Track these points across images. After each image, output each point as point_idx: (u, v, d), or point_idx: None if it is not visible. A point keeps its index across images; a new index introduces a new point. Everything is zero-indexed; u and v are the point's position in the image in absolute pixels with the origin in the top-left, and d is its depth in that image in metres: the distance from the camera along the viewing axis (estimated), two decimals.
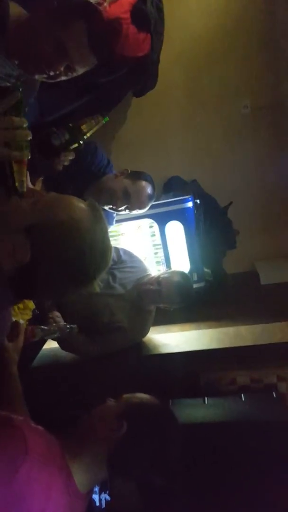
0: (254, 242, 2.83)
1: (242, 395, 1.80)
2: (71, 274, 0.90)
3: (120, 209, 1.86)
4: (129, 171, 1.92)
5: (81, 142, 1.45)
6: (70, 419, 1.15)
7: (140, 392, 1.16)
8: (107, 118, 1.48)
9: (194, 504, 1.98)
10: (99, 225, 0.94)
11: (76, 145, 1.44)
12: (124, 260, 1.99)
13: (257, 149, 2.65)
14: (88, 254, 0.90)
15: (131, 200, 1.85)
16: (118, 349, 1.92)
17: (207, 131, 2.67)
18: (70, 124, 1.41)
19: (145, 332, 2.02)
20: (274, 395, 1.78)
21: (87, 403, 1.17)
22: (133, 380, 1.95)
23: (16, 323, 1.31)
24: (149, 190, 1.91)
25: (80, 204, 0.94)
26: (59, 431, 1.07)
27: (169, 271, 2.01)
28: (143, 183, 1.89)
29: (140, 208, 1.91)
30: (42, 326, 1.45)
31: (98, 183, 1.86)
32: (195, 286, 2.49)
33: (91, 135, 1.47)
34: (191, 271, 2.48)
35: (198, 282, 2.53)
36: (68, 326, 1.56)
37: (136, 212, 1.92)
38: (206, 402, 1.82)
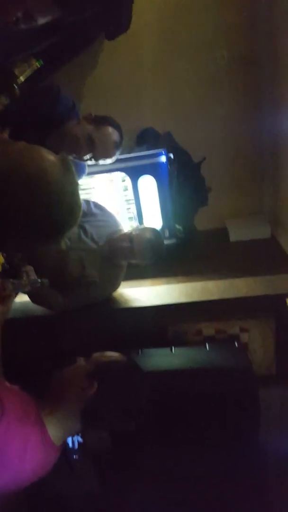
0: (225, 199, 2.85)
1: (207, 344, 1.91)
2: (38, 227, 0.89)
3: (84, 158, 1.73)
4: (93, 116, 1.77)
5: (14, 86, 1.36)
6: (43, 374, 1.21)
7: (111, 345, 1.23)
8: (40, 61, 1.39)
9: (160, 446, 2.16)
10: (69, 179, 0.91)
11: (11, 89, 1.36)
12: (95, 213, 1.97)
13: (232, 102, 2.61)
14: (56, 208, 0.88)
15: (96, 148, 1.71)
16: (89, 303, 1.96)
17: (182, 79, 2.58)
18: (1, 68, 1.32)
19: (116, 286, 2.06)
20: (236, 345, 1.89)
21: (58, 357, 1.22)
22: (104, 332, 2.03)
23: None
24: (115, 137, 1.77)
25: (50, 156, 0.91)
26: (32, 388, 1.13)
27: (141, 227, 2.01)
28: (109, 129, 1.75)
29: (106, 157, 1.78)
30: (13, 280, 1.44)
31: (61, 130, 1.70)
32: (166, 242, 2.53)
33: (25, 79, 1.39)
34: (163, 228, 2.49)
35: (169, 239, 2.56)
36: (39, 280, 1.56)
37: (102, 161, 1.80)
38: (173, 352, 1.92)
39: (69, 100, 1.77)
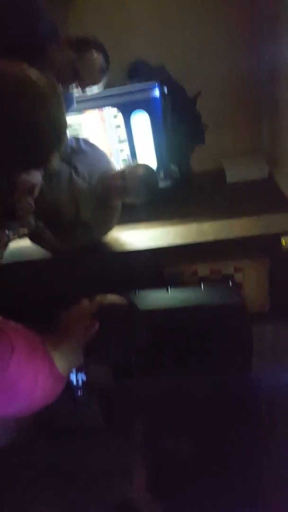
0: (222, 138, 2.75)
1: (202, 284, 1.94)
2: (23, 142, 0.86)
3: (69, 88, 1.62)
4: (75, 39, 1.60)
5: None
6: (42, 314, 1.28)
7: (109, 287, 1.28)
8: None
9: (158, 379, 2.28)
10: (55, 96, 0.89)
11: None
12: (85, 150, 1.88)
13: (230, 31, 2.41)
14: (42, 122, 0.86)
15: (81, 75, 1.58)
16: (84, 245, 1.96)
17: (176, 4, 2.37)
18: None
19: (111, 227, 2.03)
20: (230, 284, 1.93)
21: (60, 300, 1.28)
22: (101, 275, 2.05)
23: None
24: (100, 61, 1.62)
25: (37, 72, 0.90)
26: (37, 327, 1.20)
27: (133, 164, 1.93)
28: (93, 53, 1.59)
29: (92, 84, 1.64)
30: (8, 230, 1.43)
31: (41, 58, 1.51)
32: (161, 185, 2.47)
33: None
34: (157, 169, 2.43)
35: (164, 181, 2.51)
36: (33, 222, 1.55)
37: (89, 90, 1.66)
38: (169, 292, 1.96)
39: (51, 21, 1.57)
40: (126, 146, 2.41)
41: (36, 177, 1.44)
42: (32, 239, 1.93)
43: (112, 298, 1.25)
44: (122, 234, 2.21)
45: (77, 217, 1.80)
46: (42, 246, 1.97)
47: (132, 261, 2.06)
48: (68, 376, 1.35)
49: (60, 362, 1.16)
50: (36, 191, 1.47)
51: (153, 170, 1.93)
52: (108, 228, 2.02)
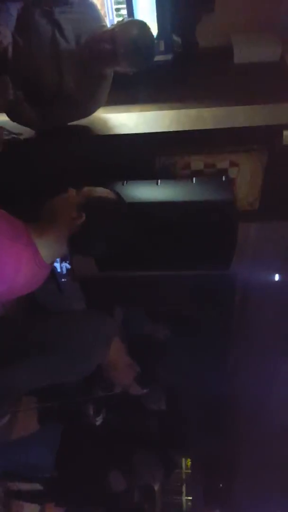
0: (235, 8, 2.35)
1: (194, 179, 1.85)
2: None
3: None
4: None
5: None
6: (30, 204, 1.24)
7: (94, 174, 1.25)
8: None
9: (140, 270, 2.35)
10: None
11: None
12: (72, 1, 1.55)
13: None
14: None
15: None
16: (68, 122, 1.78)
17: None
18: None
19: (99, 103, 1.80)
20: (223, 179, 1.84)
21: (44, 188, 1.25)
22: (87, 160, 1.93)
23: None
24: None
25: None
26: (21, 215, 1.19)
27: (125, 21, 1.57)
28: None
29: None
30: None
31: None
32: (160, 58, 2.18)
33: None
34: (157, 38, 2.11)
35: (165, 54, 2.20)
36: (12, 92, 1.37)
37: None
38: (158, 185, 1.87)
39: None
40: (123, 8, 2.04)
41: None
42: (10, 115, 1.73)
43: (101, 191, 1.23)
44: (112, 116, 2.02)
45: (59, 86, 1.57)
46: (21, 123, 1.78)
47: (121, 146, 1.92)
48: (52, 264, 1.36)
49: (44, 250, 1.16)
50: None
51: (148, 27, 1.58)
52: (96, 103, 1.78)
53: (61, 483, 2.43)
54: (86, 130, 1.95)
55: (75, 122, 1.86)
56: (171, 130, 1.90)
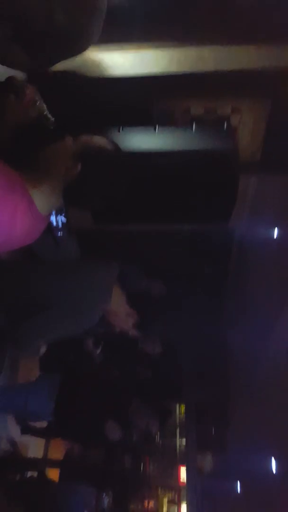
0: None
1: (194, 125, 1.75)
2: None
3: None
4: None
5: None
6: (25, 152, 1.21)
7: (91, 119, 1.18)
8: None
9: (138, 223, 2.30)
10: None
11: None
12: None
13: None
14: None
15: None
16: (60, 61, 1.64)
17: None
18: None
19: (92, 37, 1.64)
20: (225, 127, 1.74)
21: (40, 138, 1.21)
22: (83, 107, 1.81)
23: None
24: None
25: None
26: (15, 165, 1.13)
27: None
28: None
29: None
30: None
31: None
32: None
33: None
34: None
35: None
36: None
37: None
38: (156, 131, 1.77)
39: None
40: None
41: None
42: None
43: (98, 140, 1.17)
44: (105, 56, 1.86)
45: (49, 20, 1.42)
46: (9, 65, 1.64)
47: (116, 90, 1.79)
48: (49, 216, 1.33)
49: (39, 202, 1.13)
50: None
51: None
52: (88, 38, 1.64)
53: (60, 430, 2.55)
54: (78, 73, 1.81)
55: (66, 65, 1.72)
56: (170, 71, 1.76)
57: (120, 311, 1.36)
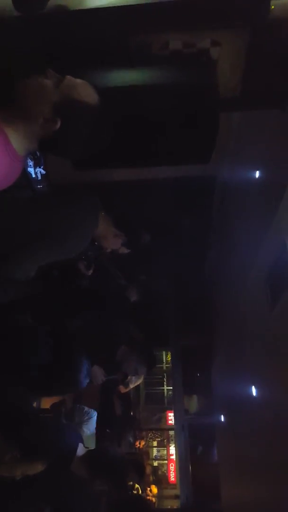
0: None
1: (172, 60, 1.71)
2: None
3: None
4: None
5: None
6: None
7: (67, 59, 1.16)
8: None
9: (117, 166, 2.28)
10: None
11: None
12: None
13: None
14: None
15: None
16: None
17: None
18: None
19: None
20: (205, 60, 1.71)
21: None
22: (56, 44, 1.73)
23: None
24: None
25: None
26: None
27: None
28: None
29: None
30: None
31: None
32: None
33: None
34: None
35: None
36: None
37: None
38: (134, 67, 1.73)
39: None
40: None
41: None
42: None
43: (80, 83, 1.16)
44: None
45: None
46: None
47: (90, 25, 1.72)
48: (25, 163, 1.31)
49: (15, 140, 1.11)
50: None
51: None
52: None
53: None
54: (50, 6, 1.72)
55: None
56: (145, 1, 1.69)
57: (108, 233, 1.43)
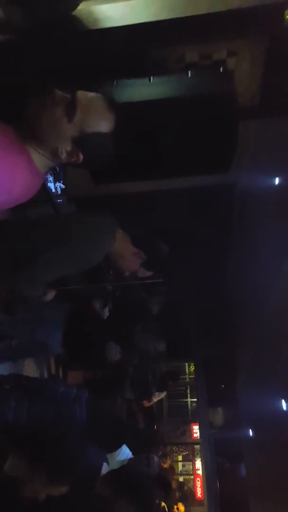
0: None
1: (189, 72, 1.72)
2: None
3: None
4: None
5: None
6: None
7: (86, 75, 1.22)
8: None
9: (138, 180, 2.29)
10: None
11: None
12: None
13: None
14: None
15: None
16: (51, 19, 1.60)
17: None
18: None
19: None
20: (221, 71, 1.72)
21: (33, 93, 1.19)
22: (76, 61, 1.77)
23: None
24: None
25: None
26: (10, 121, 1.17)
27: None
28: None
29: None
30: None
31: None
32: None
33: None
34: None
35: None
36: None
37: None
38: (151, 81, 1.75)
39: None
40: None
41: None
42: None
43: (93, 97, 1.17)
44: (95, 8, 1.81)
45: None
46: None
47: (108, 42, 1.75)
48: (46, 173, 1.34)
49: (37, 159, 1.15)
50: None
51: None
52: None
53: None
54: (68, 27, 1.76)
55: (57, 21, 1.68)
56: (161, 18, 1.72)
57: (125, 252, 1.39)
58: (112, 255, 1.39)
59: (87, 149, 1.16)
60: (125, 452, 2.57)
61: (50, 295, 1.69)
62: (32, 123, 1.15)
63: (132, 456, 2.65)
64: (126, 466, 2.06)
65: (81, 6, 1.74)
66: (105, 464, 1.72)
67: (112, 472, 1.66)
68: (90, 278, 1.76)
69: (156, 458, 2.96)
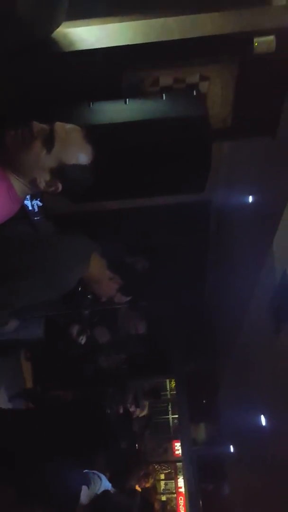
0: None
1: (164, 95, 1.77)
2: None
3: None
4: None
5: None
6: None
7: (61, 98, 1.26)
8: None
9: (115, 199, 2.30)
10: None
11: None
12: None
13: None
14: None
15: None
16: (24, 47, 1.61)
17: None
18: None
19: (56, 24, 1.64)
20: (195, 94, 1.77)
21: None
22: (51, 84, 1.79)
23: None
24: None
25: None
26: None
27: None
28: None
29: None
30: None
31: None
32: None
33: None
34: None
35: None
36: None
37: None
38: (127, 104, 1.78)
39: None
40: None
41: None
42: None
43: (69, 128, 1.18)
44: (70, 31, 1.84)
45: (11, 11, 1.38)
46: None
47: (83, 65, 1.78)
48: (24, 198, 1.34)
49: (17, 186, 1.17)
50: None
51: None
52: (53, 25, 1.63)
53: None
54: (43, 49, 1.78)
55: (32, 43, 1.69)
56: (136, 42, 1.76)
57: (101, 277, 1.37)
58: (88, 280, 1.37)
59: (66, 179, 1.18)
60: (104, 485, 2.51)
61: (12, 325, 1.67)
62: (9, 153, 1.15)
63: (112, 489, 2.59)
64: (104, 494, 2.00)
65: (58, 29, 1.77)
66: (84, 487, 1.67)
67: (90, 502, 1.62)
68: (66, 303, 1.75)
69: (136, 478, 2.92)
